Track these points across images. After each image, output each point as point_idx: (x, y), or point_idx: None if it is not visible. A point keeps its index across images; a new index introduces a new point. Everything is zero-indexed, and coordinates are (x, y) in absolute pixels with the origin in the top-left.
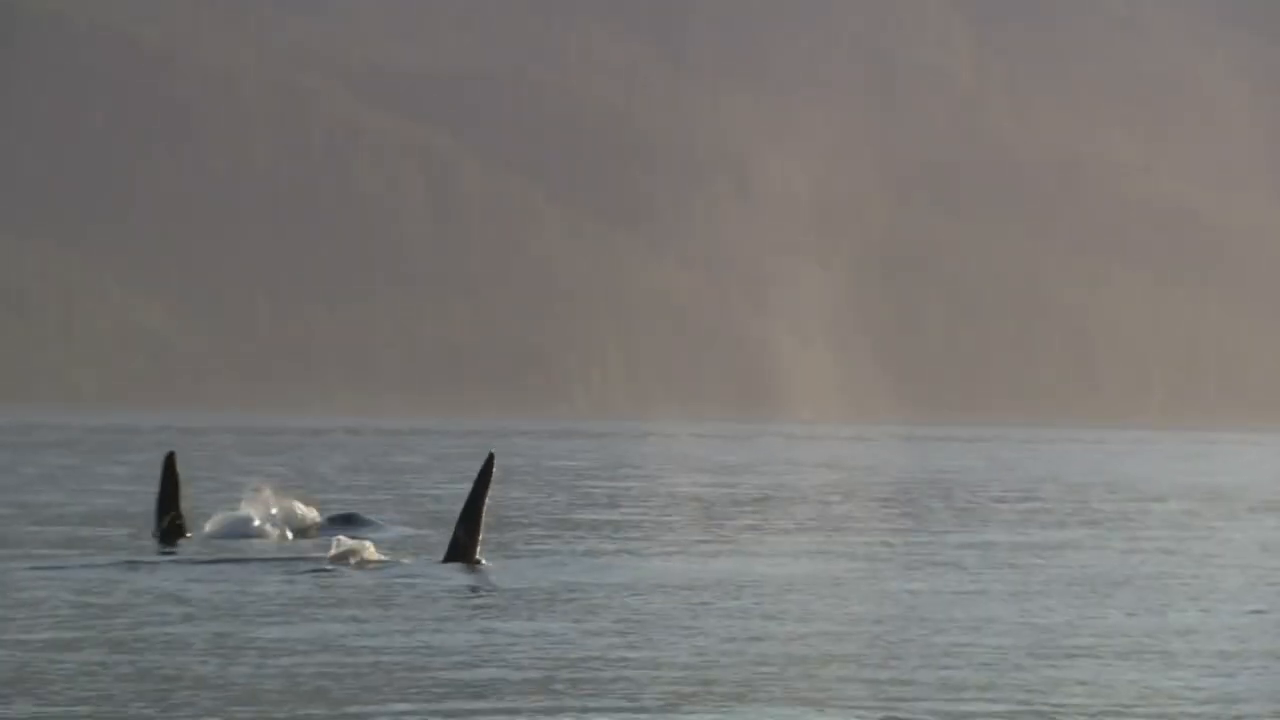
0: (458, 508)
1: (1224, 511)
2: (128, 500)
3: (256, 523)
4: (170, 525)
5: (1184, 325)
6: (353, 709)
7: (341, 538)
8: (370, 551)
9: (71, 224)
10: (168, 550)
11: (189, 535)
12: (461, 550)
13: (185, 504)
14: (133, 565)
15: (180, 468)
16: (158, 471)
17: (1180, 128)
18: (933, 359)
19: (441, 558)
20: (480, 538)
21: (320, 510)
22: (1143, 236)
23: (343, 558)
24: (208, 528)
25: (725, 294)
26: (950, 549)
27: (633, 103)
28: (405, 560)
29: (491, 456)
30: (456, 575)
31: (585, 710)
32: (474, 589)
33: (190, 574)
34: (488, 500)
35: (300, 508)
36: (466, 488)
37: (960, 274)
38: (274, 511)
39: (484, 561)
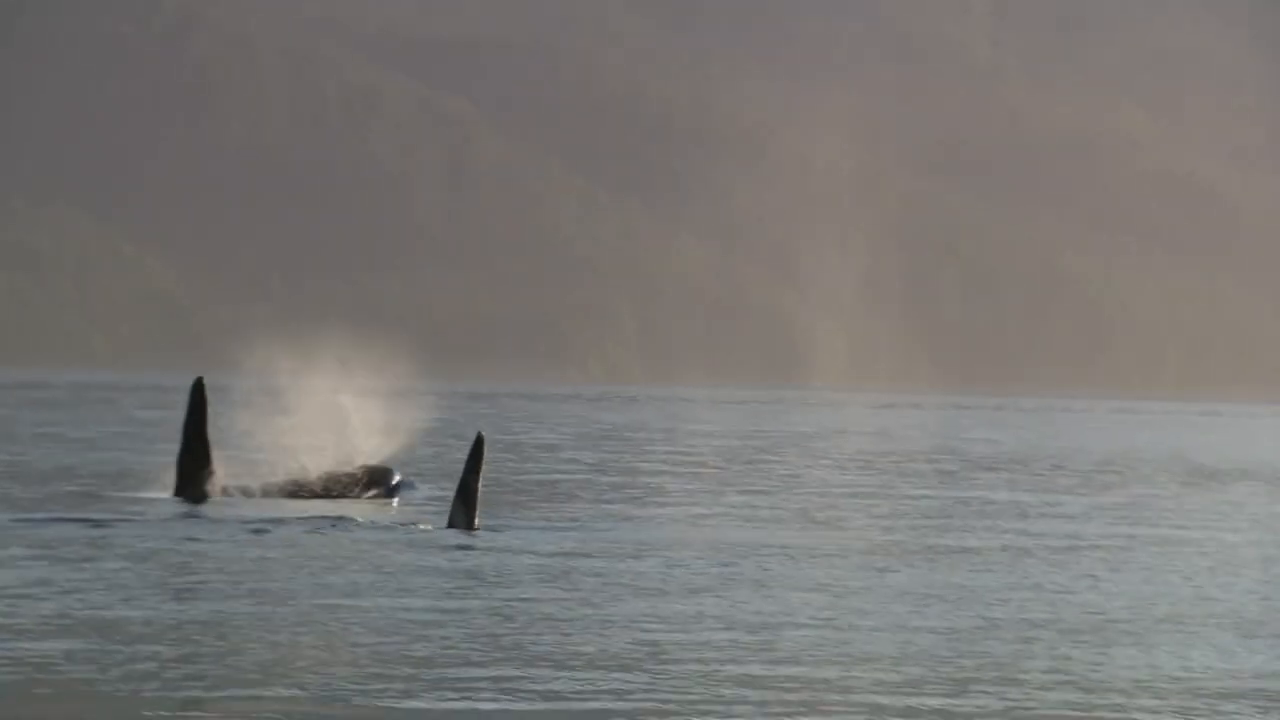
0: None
1: None
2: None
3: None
4: (193, 474)
5: (1199, 300)
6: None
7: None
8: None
9: (88, 188)
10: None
11: (223, 489)
12: (461, 519)
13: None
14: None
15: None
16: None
17: (1197, 103)
18: (949, 331)
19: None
20: (477, 512)
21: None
22: (1158, 212)
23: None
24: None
25: (741, 265)
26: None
27: (651, 73)
28: (422, 525)
29: (481, 438)
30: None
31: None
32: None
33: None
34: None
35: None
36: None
37: (976, 248)
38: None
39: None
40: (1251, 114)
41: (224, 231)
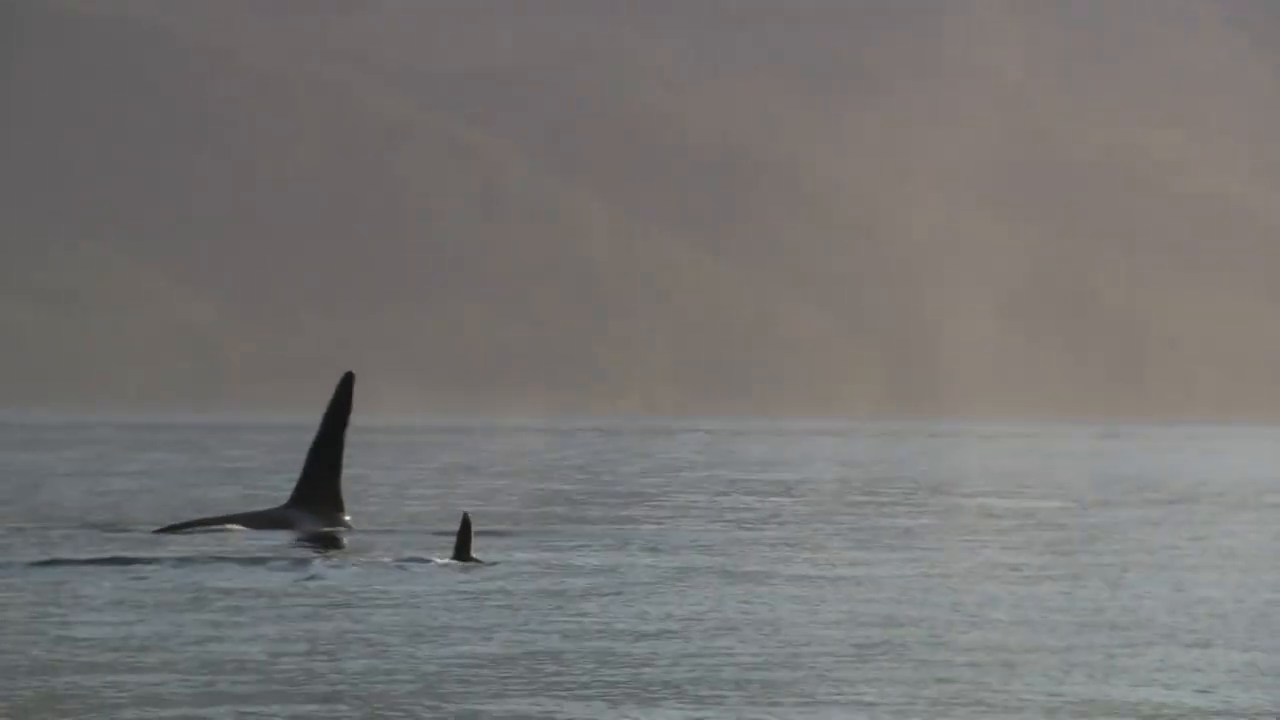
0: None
1: None
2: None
3: None
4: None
5: (1233, 322)
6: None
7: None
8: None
9: (121, 225)
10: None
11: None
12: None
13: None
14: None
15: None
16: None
17: (1230, 124)
18: (980, 356)
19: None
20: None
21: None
22: (1192, 233)
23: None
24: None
25: (774, 294)
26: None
27: (681, 102)
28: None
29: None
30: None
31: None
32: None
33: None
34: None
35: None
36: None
37: (1009, 272)
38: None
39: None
40: None
41: (256, 266)
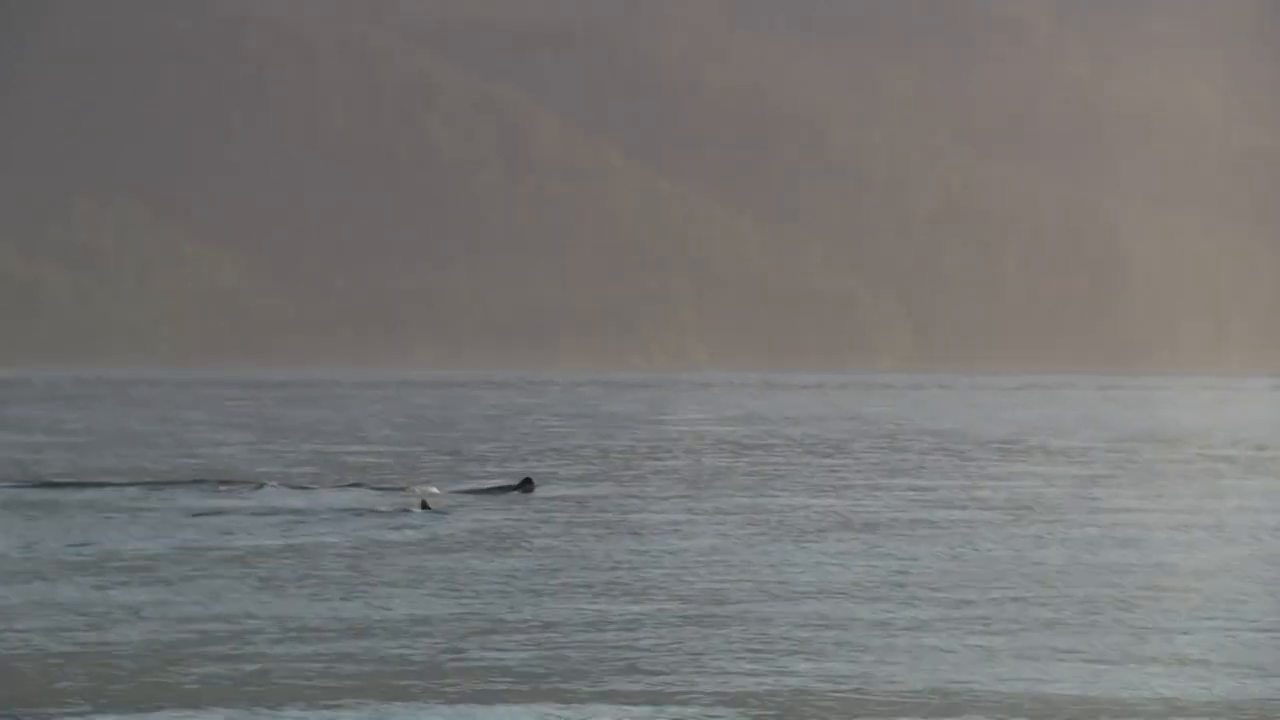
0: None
1: None
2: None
3: None
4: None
5: (1264, 273)
6: None
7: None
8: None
9: (148, 185)
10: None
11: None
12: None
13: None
14: None
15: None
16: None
17: (1260, 78)
18: (1011, 311)
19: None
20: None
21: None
22: (1221, 186)
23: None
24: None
25: (802, 249)
26: None
27: (709, 60)
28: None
29: None
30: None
31: None
32: None
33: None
34: None
35: None
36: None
37: (1038, 226)
38: None
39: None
40: None
41: (284, 226)
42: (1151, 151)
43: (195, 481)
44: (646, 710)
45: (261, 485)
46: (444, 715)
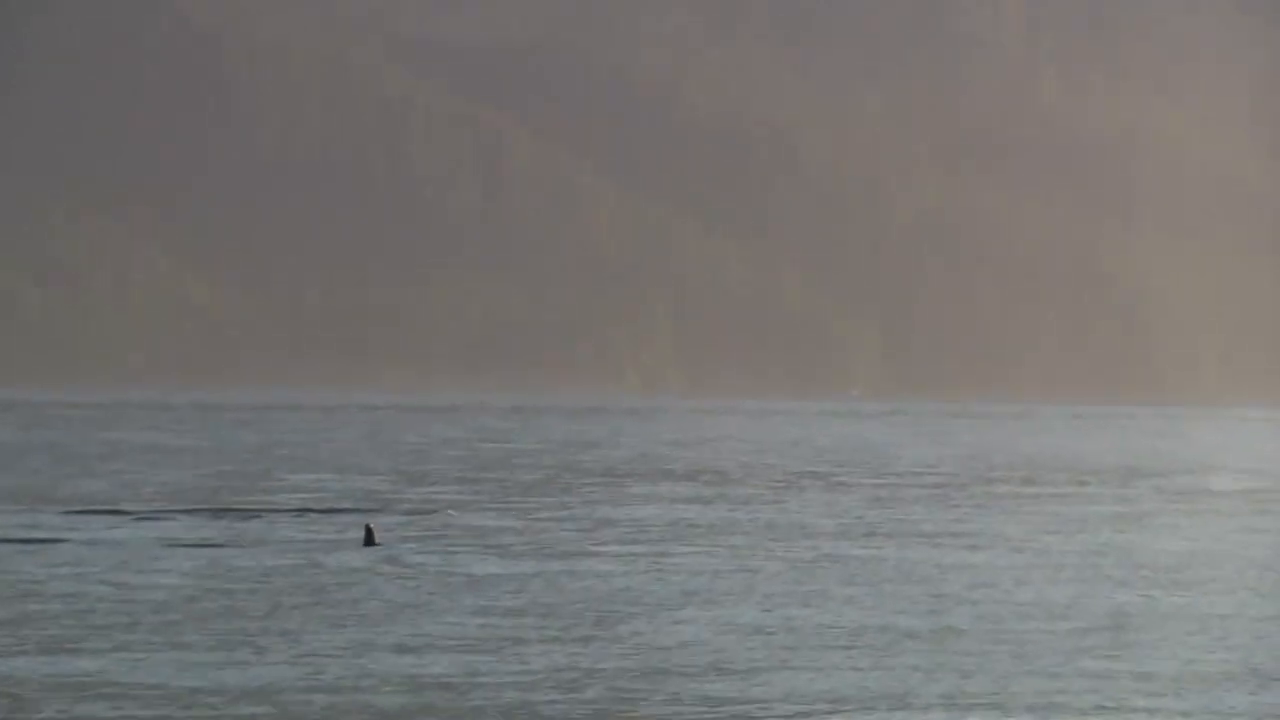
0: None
1: None
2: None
3: None
4: None
5: (1236, 297)
6: None
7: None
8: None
9: (122, 200)
10: None
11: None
12: None
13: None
14: None
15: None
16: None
17: (1232, 100)
18: (984, 332)
19: None
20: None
21: None
22: (1194, 208)
23: None
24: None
25: (775, 267)
26: None
27: (681, 76)
28: None
29: None
30: None
31: None
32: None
33: None
34: None
35: None
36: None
37: (1010, 246)
38: None
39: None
40: None
41: (259, 243)
42: (1129, 172)
43: None
44: None
45: None
46: None
